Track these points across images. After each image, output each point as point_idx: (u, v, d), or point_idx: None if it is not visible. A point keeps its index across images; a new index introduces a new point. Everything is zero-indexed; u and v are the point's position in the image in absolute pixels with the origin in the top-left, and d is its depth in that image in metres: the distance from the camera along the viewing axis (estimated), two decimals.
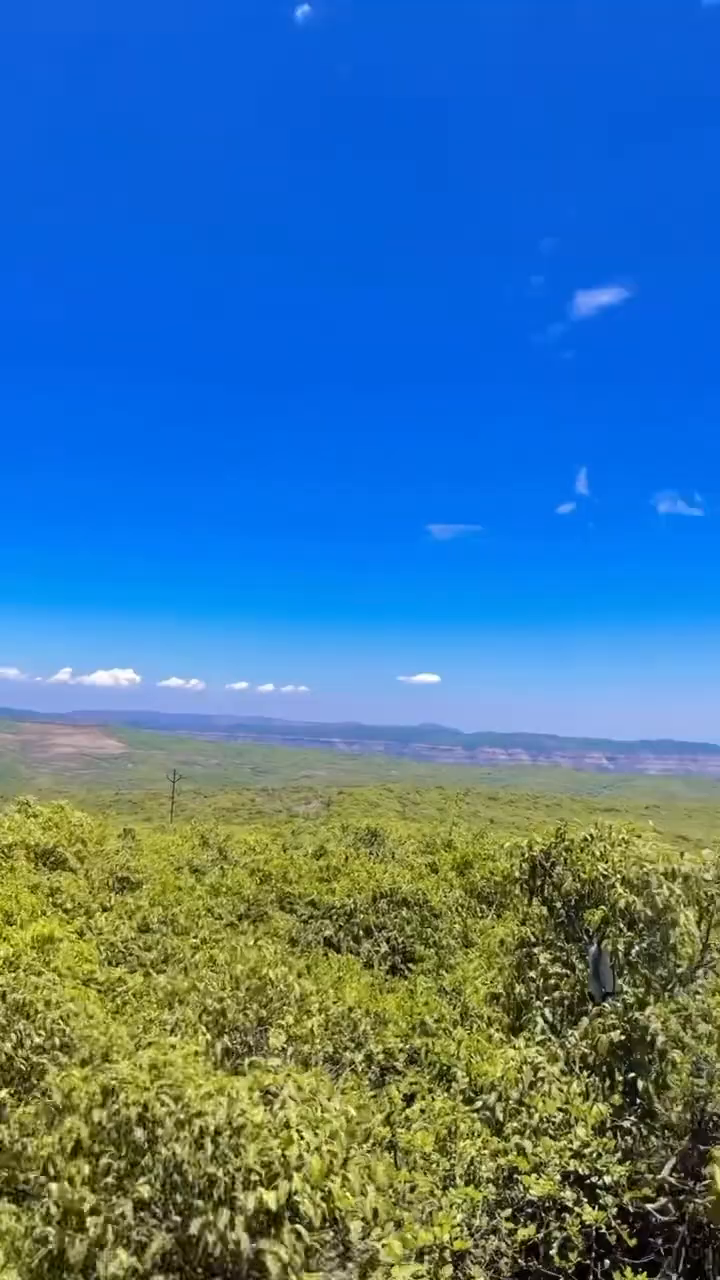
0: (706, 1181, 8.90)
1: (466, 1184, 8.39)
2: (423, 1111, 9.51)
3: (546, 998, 11.64)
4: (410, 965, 22.33)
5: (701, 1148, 9.52)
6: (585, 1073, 10.25)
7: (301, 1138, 7.03)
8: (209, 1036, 11.32)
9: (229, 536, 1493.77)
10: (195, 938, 21.01)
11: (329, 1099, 7.65)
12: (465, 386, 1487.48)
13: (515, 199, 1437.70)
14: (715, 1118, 10.36)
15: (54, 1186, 7.17)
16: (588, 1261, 8.39)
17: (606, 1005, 10.88)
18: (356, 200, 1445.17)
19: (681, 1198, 9.68)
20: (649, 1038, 10.44)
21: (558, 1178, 8.40)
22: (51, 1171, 7.32)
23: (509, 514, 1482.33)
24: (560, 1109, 9.24)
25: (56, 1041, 11.96)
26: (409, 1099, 9.97)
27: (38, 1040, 11.85)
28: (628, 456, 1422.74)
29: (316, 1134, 7.09)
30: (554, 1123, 9.14)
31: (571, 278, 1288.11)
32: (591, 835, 12.00)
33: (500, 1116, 9.30)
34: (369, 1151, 7.75)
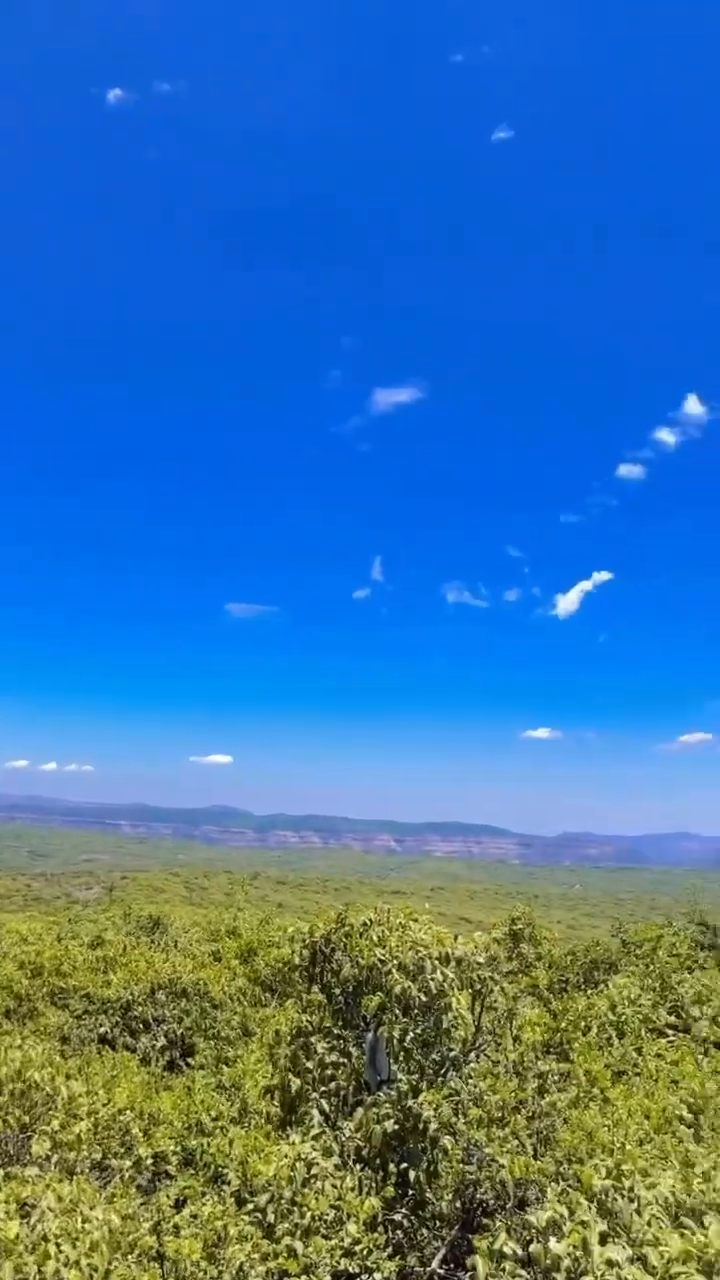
0: (471, 1272, 9.03)
1: None
2: (194, 1217, 9.16)
3: (323, 1088, 11.55)
4: (189, 1060, 21.58)
5: (469, 1237, 9.66)
6: (359, 1165, 10.21)
7: (60, 1251, 6.66)
8: None
9: (5, 608, 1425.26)
10: None
11: (91, 1208, 7.29)
12: (268, 468, 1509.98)
13: (318, 294, 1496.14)
14: (484, 1205, 10.56)
15: None
16: None
17: (381, 1094, 10.94)
18: (165, 283, 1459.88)
19: None
20: (421, 1125, 10.57)
21: (328, 1278, 8.29)
22: None
23: (306, 597, 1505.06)
24: (333, 1205, 9.15)
25: None
26: (180, 1204, 9.59)
27: None
28: (419, 547, 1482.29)
29: (76, 1247, 6.74)
30: (326, 1221, 9.03)
31: (369, 375, 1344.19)
32: (370, 920, 12.17)
33: (272, 1218, 9.09)
34: (135, 1263, 7.41)
